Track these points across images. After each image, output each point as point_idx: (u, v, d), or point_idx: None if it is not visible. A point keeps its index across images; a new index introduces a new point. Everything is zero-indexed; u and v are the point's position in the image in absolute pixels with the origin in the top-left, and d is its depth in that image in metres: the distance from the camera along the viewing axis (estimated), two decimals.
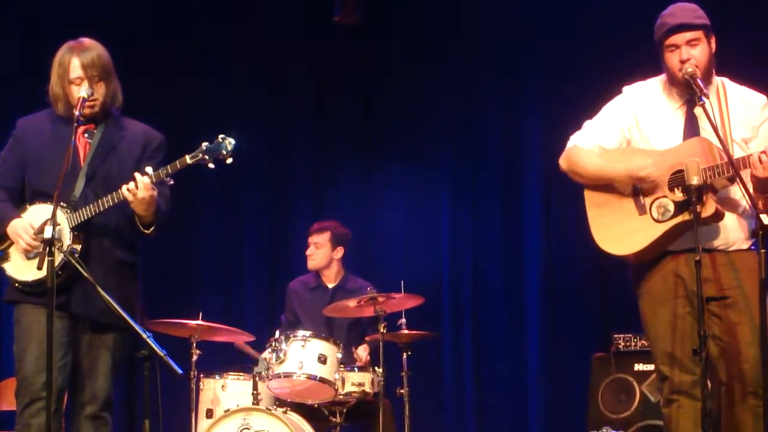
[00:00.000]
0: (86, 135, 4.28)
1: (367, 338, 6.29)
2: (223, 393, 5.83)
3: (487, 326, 7.47)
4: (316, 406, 5.91)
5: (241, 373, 5.92)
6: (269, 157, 7.78)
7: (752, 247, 4.07)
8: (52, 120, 4.30)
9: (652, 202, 4.08)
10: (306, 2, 7.84)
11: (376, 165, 7.78)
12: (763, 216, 3.75)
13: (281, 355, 5.68)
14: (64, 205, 4.14)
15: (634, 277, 4.19)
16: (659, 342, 4.08)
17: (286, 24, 7.80)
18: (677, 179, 4.00)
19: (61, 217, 4.10)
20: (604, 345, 6.56)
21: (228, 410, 5.58)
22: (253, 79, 7.75)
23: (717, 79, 4.17)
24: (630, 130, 4.20)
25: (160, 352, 3.73)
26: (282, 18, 7.79)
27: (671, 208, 4.02)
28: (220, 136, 4.19)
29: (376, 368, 5.84)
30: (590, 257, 6.87)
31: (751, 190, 3.90)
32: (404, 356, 5.86)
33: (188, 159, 4.16)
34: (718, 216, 3.97)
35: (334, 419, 5.92)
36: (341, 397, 5.78)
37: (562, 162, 4.30)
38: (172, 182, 4.23)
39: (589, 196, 4.23)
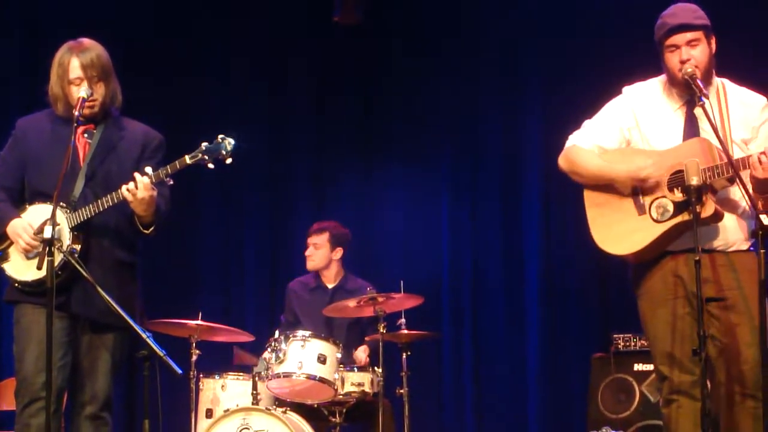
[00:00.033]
0: (86, 135, 4.28)
1: (366, 338, 6.29)
2: (223, 393, 5.83)
3: (486, 326, 7.47)
4: (315, 406, 5.91)
5: (241, 373, 5.92)
6: (269, 157, 7.78)
7: (751, 248, 4.07)
8: (52, 120, 4.31)
9: (652, 202, 4.08)
10: (306, 2, 7.84)
11: (376, 165, 7.78)
12: (762, 216, 3.75)
13: (281, 355, 5.68)
14: (64, 205, 4.14)
15: (634, 277, 4.19)
16: (659, 342, 4.08)
17: (286, 24, 7.80)
18: (677, 179, 4.00)
19: (61, 217, 4.10)
20: (603, 345, 6.56)
21: (228, 410, 5.58)
22: (253, 79, 7.75)
23: (717, 80, 4.17)
24: (630, 130, 4.20)
25: (160, 352, 3.73)
26: (282, 18, 7.79)
27: (670, 208, 4.02)
28: (220, 136, 4.19)
29: (376, 368, 5.84)
30: (590, 257, 6.87)
31: (750, 191, 3.90)
32: (404, 356, 5.86)
33: (188, 159, 4.16)
34: (717, 216, 3.97)
35: (333, 419, 5.92)
36: (341, 397, 5.78)
37: (561, 161, 4.30)
38: (171, 182, 4.23)
39: (588, 196, 4.23)
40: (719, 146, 3.92)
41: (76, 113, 4.12)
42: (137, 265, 4.36)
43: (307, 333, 5.81)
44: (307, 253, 6.59)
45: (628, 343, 6.38)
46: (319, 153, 7.91)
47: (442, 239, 7.61)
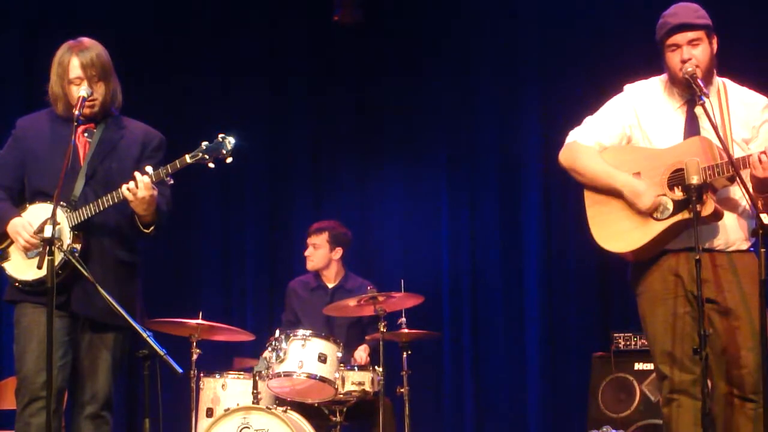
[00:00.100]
0: (86, 134, 4.28)
1: (367, 337, 6.29)
2: (223, 392, 5.83)
3: (486, 325, 7.47)
4: (316, 405, 5.91)
5: (241, 372, 5.93)
6: (269, 156, 7.79)
7: (751, 248, 4.07)
8: (52, 119, 4.30)
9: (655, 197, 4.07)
10: (306, 2, 7.84)
11: (376, 164, 7.79)
12: (763, 216, 3.75)
13: (281, 354, 5.68)
14: (64, 204, 4.14)
15: (633, 275, 4.19)
16: (658, 341, 4.08)
17: (286, 23, 7.80)
18: (677, 178, 4.00)
19: (61, 216, 4.10)
20: (604, 344, 6.56)
21: (228, 409, 5.58)
22: (253, 78, 7.75)
23: (718, 80, 4.17)
24: (631, 128, 4.20)
25: (161, 352, 3.73)
26: (282, 17, 7.79)
27: (670, 206, 4.02)
28: (220, 135, 4.19)
29: (376, 367, 5.85)
30: (590, 256, 6.88)
31: (751, 190, 3.90)
32: (404, 355, 5.86)
33: (188, 158, 4.16)
34: (717, 215, 3.97)
35: (334, 418, 5.93)
36: (341, 396, 5.78)
37: (562, 157, 4.29)
38: (172, 182, 4.23)
39: (588, 194, 4.23)
40: (719, 145, 3.92)
41: (76, 112, 4.12)
42: (137, 265, 4.36)
43: (308, 332, 5.81)
44: (306, 253, 6.59)
45: (628, 342, 6.38)
46: (319, 153, 7.92)
47: (442, 239, 7.61)
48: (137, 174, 4.10)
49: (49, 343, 3.77)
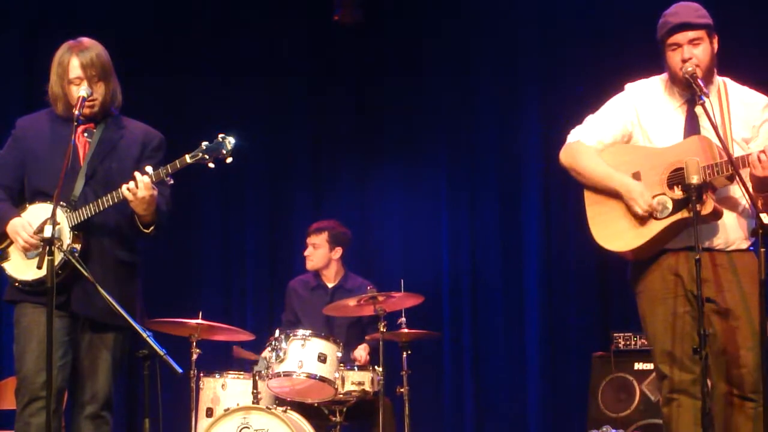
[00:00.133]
0: (86, 134, 4.28)
1: (367, 337, 6.29)
2: (223, 392, 5.84)
3: (486, 325, 7.47)
4: (316, 405, 5.92)
5: (241, 372, 5.92)
6: (269, 156, 7.79)
7: (751, 248, 4.07)
8: (52, 119, 4.30)
9: (651, 200, 4.07)
10: (306, 2, 7.84)
11: (375, 164, 7.79)
12: (763, 215, 3.75)
13: (281, 354, 5.69)
14: (64, 204, 4.14)
15: (633, 274, 4.20)
16: (658, 341, 4.08)
17: (286, 24, 7.80)
18: (676, 177, 4.00)
19: (61, 216, 4.10)
20: (604, 344, 6.56)
21: (228, 409, 5.59)
22: (253, 78, 7.75)
23: (718, 79, 4.17)
24: (632, 126, 4.20)
25: (160, 351, 3.73)
26: (282, 18, 7.79)
27: (670, 205, 4.02)
28: (220, 135, 4.19)
29: (376, 367, 5.85)
30: (590, 256, 6.89)
31: (750, 190, 3.90)
32: (404, 355, 5.86)
33: (188, 158, 4.16)
34: (716, 214, 3.98)
35: (334, 418, 5.93)
36: (341, 396, 5.78)
37: (563, 157, 4.29)
38: (172, 182, 4.23)
39: (588, 194, 4.23)
40: (719, 144, 3.92)
41: (76, 112, 4.12)
42: (137, 265, 4.36)
43: (308, 332, 5.81)
44: (306, 253, 6.59)
45: (628, 342, 6.39)
46: (318, 152, 7.93)
47: (442, 239, 7.61)
48: (137, 174, 4.10)
49: (49, 343, 3.77)
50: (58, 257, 3.93)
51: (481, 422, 7.43)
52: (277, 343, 5.73)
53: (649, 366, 6.02)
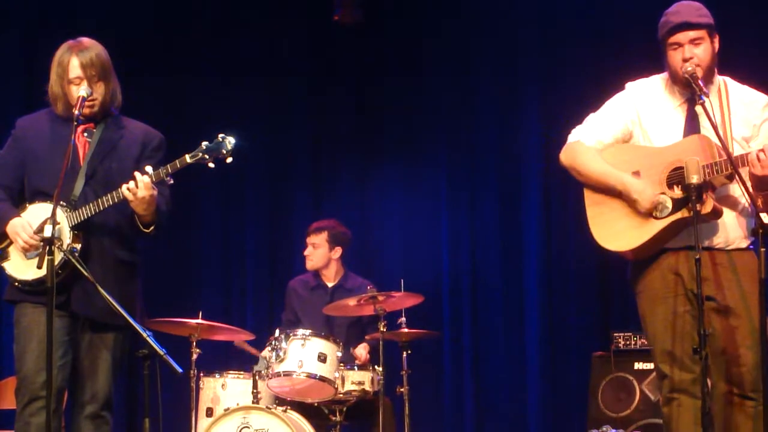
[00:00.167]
0: (86, 134, 4.28)
1: (367, 337, 6.29)
2: (223, 392, 5.84)
3: (486, 325, 7.47)
4: (316, 404, 5.92)
5: (241, 372, 5.92)
6: (269, 156, 7.79)
7: (751, 247, 4.07)
8: (52, 119, 4.31)
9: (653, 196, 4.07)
10: (306, 2, 7.84)
11: (375, 164, 7.79)
12: (762, 215, 3.75)
13: (281, 353, 5.69)
14: (64, 204, 4.14)
15: (633, 274, 4.20)
16: (658, 340, 4.08)
17: (286, 24, 7.80)
18: (676, 176, 4.01)
19: (61, 216, 4.10)
20: (604, 343, 6.56)
21: (228, 409, 5.59)
22: (253, 78, 7.75)
23: (719, 78, 4.17)
24: (633, 125, 4.20)
25: (160, 351, 3.73)
26: (282, 18, 7.79)
27: (669, 204, 4.02)
28: (220, 135, 4.18)
29: (376, 367, 5.85)
30: (590, 256, 6.88)
31: (750, 189, 3.90)
32: (404, 355, 5.86)
33: (188, 158, 4.16)
34: (716, 213, 3.98)
35: (334, 418, 5.93)
36: (341, 395, 5.78)
37: (563, 157, 4.30)
38: (172, 182, 4.23)
39: (588, 193, 4.23)
40: (719, 143, 3.92)
41: (76, 112, 4.12)
42: (137, 265, 4.36)
43: (308, 332, 5.81)
44: (305, 252, 6.59)
45: (628, 342, 6.39)
46: (318, 152, 7.93)
47: (442, 239, 7.61)
48: (137, 174, 4.10)
49: (49, 343, 3.77)
50: (58, 257, 3.94)
51: (481, 422, 7.43)
52: (277, 343, 5.73)
53: (649, 366, 6.02)
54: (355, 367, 5.89)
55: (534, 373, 7.29)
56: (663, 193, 4.03)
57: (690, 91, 4.07)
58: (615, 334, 6.43)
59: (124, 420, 6.90)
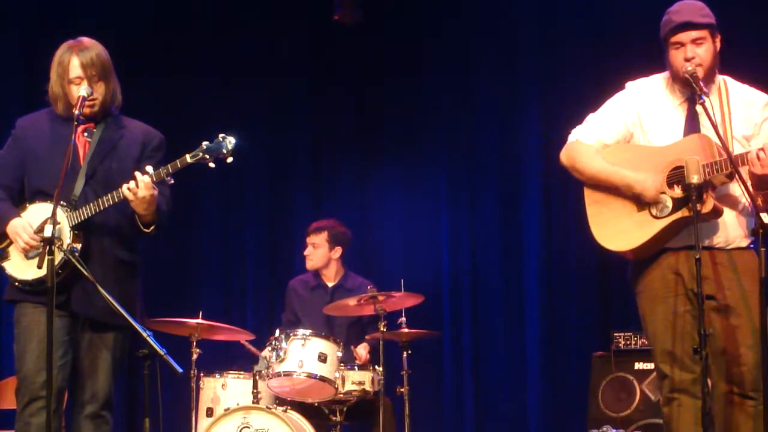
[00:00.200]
0: (86, 134, 4.28)
1: (367, 337, 6.29)
2: (223, 392, 5.84)
3: (486, 325, 7.47)
4: (316, 404, 5.91)
5: (241, 372, 5.92)
6: (269, 156, 7.79)
7: (751, 246, 4.07)
8: (52, 119, 4.30)
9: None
10: (306, 2, 7.84)
11: (375, 164, 7.79)
12: (763, 215, 3.75)
13: (281, 353, 5.69)
14: (64, 204, 4.14)
15: (633, 274, 4.20)
16: (658, 340, 4.08)
17: (286, 24, 7.80)
18: (676, 175, 4.00)
19: (61, 215, 4.10)
20: (604, 343, 6.56)
21: (228, 409, 5.59)
22: (253, 78, 7.75)
23: (719, 78, 4.17)
24: (633, 125, 4.20)
25: (161, 351, 3.73)
26: (282, 18, 7.79)
27: (669, 204, 4.02)
28: (221, 135, 4.19)
29: (377, 367, 5.85)
30: (590, 256, 6.89)
31: (750, 188, 3.90)
32: (404, 355, 5.86)
33: (189, 158, 4.16)
34: (716, 212, 3.98)
35: (334, 418, 5.93)
36: (341, 395, 5.78)
37: (563, 156, 4.30)
38: (172, 182, 4.23)
39: (588, 193, 4.23)
40: (719, 143, 3.92)
41: (76, 112, 4.12)
42: (137, 264, 4.36)
43: (308, 332, 5.81)
44: (305, 252, 6.59)
45: (628, 342, 6.39)
46: (318, 152, 7.93)
47: (442, 239, 7.61)
48: (138, 174, 4.10)
49: (49, 343, 3.77)
50: (58, 257, 3.93)
51: (481, 422, 7.43)
52: (277, 343, 5.73)
53: (650, 366, 6.02)
54: (356, 367, 5.89)
55: (534, 373, 7.29)
56: (663, 193, 4.03)
57: (690, 90, 4.07)
58: (615, 334, 6.43)
59: (124, 420, 6.90)
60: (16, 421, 4.15)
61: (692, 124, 4.09)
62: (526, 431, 7.29)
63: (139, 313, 4.27)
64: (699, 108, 4.02)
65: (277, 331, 5.84)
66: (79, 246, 4.12)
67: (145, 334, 3.77)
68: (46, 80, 4.29)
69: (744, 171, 3.91)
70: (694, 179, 3.87)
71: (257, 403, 5.62)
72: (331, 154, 7.91)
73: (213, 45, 7.73)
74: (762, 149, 3.88)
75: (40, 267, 3.93)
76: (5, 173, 4.31)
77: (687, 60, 4.03)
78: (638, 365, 6.30)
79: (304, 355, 5.69)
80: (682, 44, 4.05)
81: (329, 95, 7.88)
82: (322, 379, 5.70)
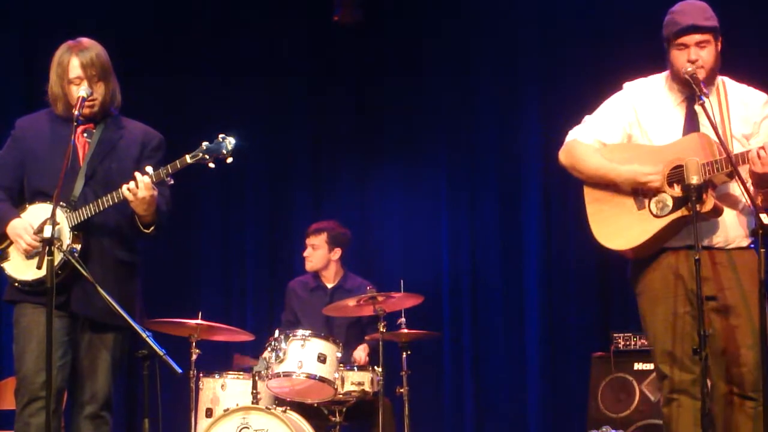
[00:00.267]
0: (85, 134, 4.28)
1: (366, 337, 6.29)
2: (223, 392, 5.83)
3: (486, 325, 7.47)
4: (315, 405, 5.91)
5: (241, 373, 5.92)
6: (269, 156, 7.79)
7: (751, 246, 4.07)
8: (51, 120, 4.30)
9: (651, 197, 4.07)
10: (306, 2, 7.84)
11: (375, 164, 7.79)
12: (762, 215, 3.75)
13: (281, 354, 5.68)
14: (64, 204, 4.14)
15: (633, 274, 4.19)
16: (658, 341, 4.08)
17: (286, 24, 7.80)
18: (676, 174, 4.00)
19: (61, 216, 4.10)
20: (603, 344, 6.56)
21: (227, 409, 5.58)
22: (253, 78, 7.74)
23: (718, 78, 4.17)
24: (630, 125, 4.20)
25: (160, 352, 3.72)
26: (282, 18, 7.79)
27: (670, 203, 4.02)
28: (220, 135, 4.19)
29: (376, 367, 5.85)
30: (590, 256, 6.89)
31: (749, 187, 3.90)
32: (404, 355, 5.86)
33: (188, 158, 4.16)
34: (717, 211, 3.97)
35: (333, 418, 5.93)
36: (341, 396, 5.78)
37: (562, 156, 4.29)
38: (172, 182, 4.23)
39: (588, 191, 4.23)
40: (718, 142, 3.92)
41: (76, 112, 4.12)
42: (137, 265, 4.36)
43: (307, 332, 5.81)
44: (305, 254, 6.59)
45: (628, 342, 6.38)
46: (318, 152, 7.93)
47: (442, 239, 7.61)
48: (138, 174, 4.10)
49: (49, 343, 3.77)
50: (58, 257, 3.93)
51: (481, 422, 7.42)
52: (276, 344, 5.73)
53: (649, 366, 6.02)
54: (355, 368, 5.89)
55: (534, 373, 7.29)
56: (663, 191, 4.03)
57: (690, 90, 4.07)
58: (615, 335, 6.43)
59: (123, 420, 6.90)
60: (15, 422, 4.15)
61: (691, 123, 4.10)
62: (526, 431, 7.29)
63: (138, 313, 4.27)
64: (698, 108, 4.02)
65: (277, 332, 5.84)
66: (78, 246, 4.12)
67: (144, 335, 3.77)
68: (46, 80, 4.29)
69: (744, 170, 3.91)
70: (694, 180, 3.87)
71: (257, 403, 5.62)
72: (331, 154, 7.91)
73: (213, 45, 7.73)
74: (762, 147, 3.88)
75: (39, 267, 3.93)
76: (5, 174, 4.31)
77: (690, 62, 4.02)
78: (638, 366, 6.30)
79: (303, 356, 5.69)
80: (686, 46, 4.05)
81: (329, 95, 7.88)
82: (322, 379, 5.70)
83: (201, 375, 5.86)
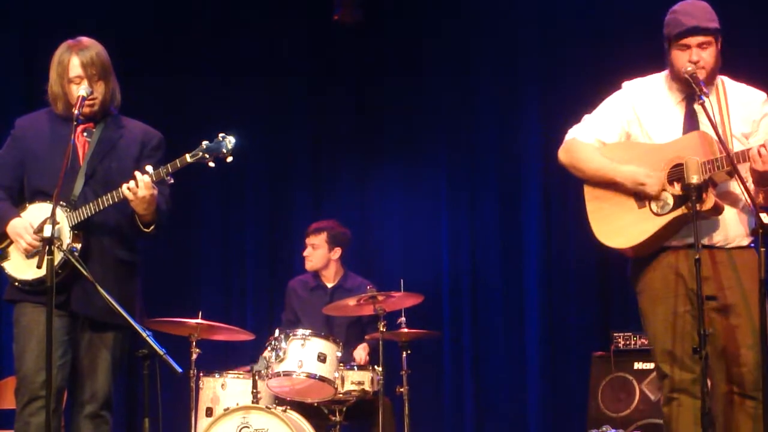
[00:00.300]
0: (85, 134, 4.28)
1: (366, 337, 6.29)
2: (223, 391, 5.84)
3: (486, 325, 7.47)
4: (315, 404, 5.91)
5: (241, 372, 5.92)
6: (269, 156, 7.79)
7: (751, 245, 4.07)
8: (51, 119, 4.30)
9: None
10: (306, 2, 7.84)
11: (375, 164, 7.79)
12: (762, 215, 3.75)
13: (281, 353, 5.69)
14: (64, 203, 4.14)
15: (633, 272, 4.19)
16: (659, 340, 4.08)
17: (286, 24, 7.80)
18: (676, 173, 4.00)
19: (61, 215, 4.10)
20: (603, 344, 6.56)
21: (228, 409, 5.58)
22: (253, 78, 7.75)
23: (717, 78, 4.17)
24: (629, 124, 4.20)
25: (160, 351, 3.72)
26: (282, 18, 7.79)
27: (670, 201, 4.02)
28: (221, 134, 4.19)
29: (376, 367, 5.85)
30: (590, 256, 6.89)
31: (750, 186, 3.90)
32: (404, 355, 5.86)
33: (188, 158, 4.16)
34: (717, 210, 3.97)
35: (333, 418, 5.93)
36: (341, 395, 5.78)
37: (561, 155, 4.29)
38: (172, 181, 4.23)
39: (588, 189, 4.23)
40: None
41: (76, 112, 4.12)
42: (137, 264, 4.36)
43: (307, 332, 5.81)
44: (305, 253, 6.59)
45: (628, 342, 6.38)
46: (318, 152, 7.93)
47: (442, 239, 7.61)
48: (138, 173, 4.10)
49: (49, 343, 3.77)
50: (58, 257, 3.93)
51: (481, 422, 7.42)
52: (276, 343, 5.73)
53: (649, 366, 6.02)
54: (355, 367, 5.89)
55: (534, 373, 7.29)
56: (664, 190, 4.03)
57: (689, 89, 4.07)
58: (615, 334, 6.43)
59: (123, 420, 6.90)
60: (15, 421, 4.15)
61: (691, 122, 4.10)
62: (526, 431, 7.29)
63: (138, 312, 4.27)
64: (697, 107, 4.03)
65: (277, 331, 5.84)
66: (78, 246, 4.12)
67: (144, 334, 3.77)
68: (46, 80, 4.29)
69: (744, 168, 3.91)
70: (694, 179, 3.87)
71: (257, 403, 5.62)
72: (331, 154, 7.91)
73: (213, 45, 7.73)
74: (763, 146, 3.88)
75: (39, 267, 3.93)
76: (5, 173, 4.31)
77: (692, 63, 4.02)
78: (638, 365, 6.30)
79: (303, 355, 5.69)
80: (687, 47, 4.04)
81: (329, 95, 7.88)
82: (322, 379, 5.70)
83: (201, 374, 5.86)
